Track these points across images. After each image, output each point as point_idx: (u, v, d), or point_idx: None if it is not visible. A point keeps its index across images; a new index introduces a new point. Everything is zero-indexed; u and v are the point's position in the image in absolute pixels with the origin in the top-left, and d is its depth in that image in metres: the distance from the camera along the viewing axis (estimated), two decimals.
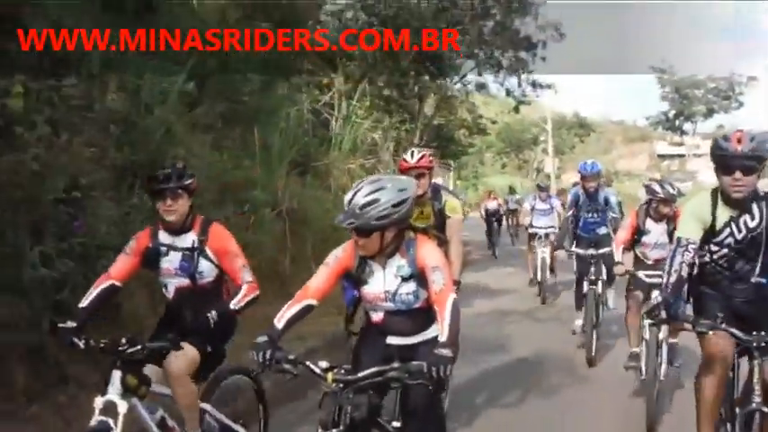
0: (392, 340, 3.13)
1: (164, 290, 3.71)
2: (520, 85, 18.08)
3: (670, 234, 5.43)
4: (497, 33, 16.18)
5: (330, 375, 2.69)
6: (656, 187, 5.54)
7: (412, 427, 3.05)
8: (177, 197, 3.52)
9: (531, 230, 11.02)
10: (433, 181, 4.75)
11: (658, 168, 41.75)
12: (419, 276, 2.95)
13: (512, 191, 20.96)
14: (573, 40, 18.99)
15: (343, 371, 2.73)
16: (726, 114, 32.60)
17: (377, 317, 3.13)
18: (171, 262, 3.61)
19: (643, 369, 5.28)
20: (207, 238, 3.58)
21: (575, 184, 8.42)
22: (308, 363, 2.77)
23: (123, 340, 3.21)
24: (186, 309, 3.63)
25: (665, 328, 5.00)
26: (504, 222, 19.42)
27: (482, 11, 15.83)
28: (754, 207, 3.37)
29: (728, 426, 3.45)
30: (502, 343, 7.38)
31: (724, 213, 3.40)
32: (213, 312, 3.46)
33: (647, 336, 5.19)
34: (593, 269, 6.85)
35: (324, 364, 2.76)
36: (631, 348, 5.63)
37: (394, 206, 2.83)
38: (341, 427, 2.68)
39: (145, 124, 6.36)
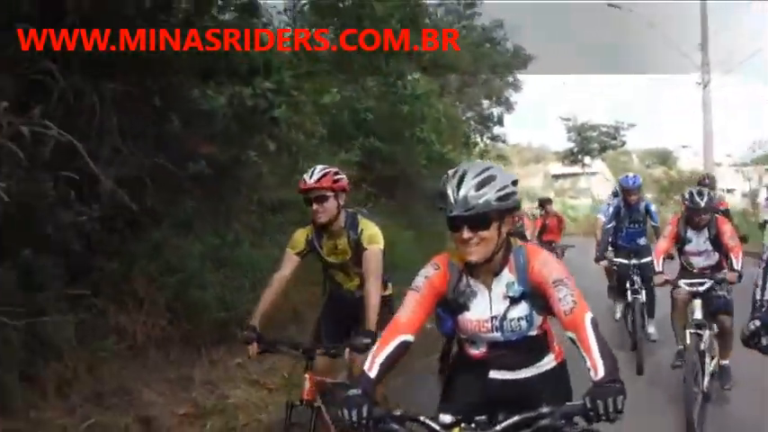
0: (496, 375, 2.53)
1: None
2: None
3: (712, 241, 5.42)
4: None
5: (457, 430, 2.18)
6: (698, 199, 5.32)
7: None
8: None
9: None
10: (349, 210, 3.89)
11: (552, 187, 47.59)
12: (532, 296, 2.34)
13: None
14: None
15: (473, 424, 2.20)
16: (613, 151, 44.70)
17: (478, 351, 2.51)
18: None
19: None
20: None
21: (615, 195, 8.44)
22: (422, 418, 2.20)
23: None
24: None
25: (707, 337, 4.95)
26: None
27: None
28: None
29: None
30: None
31: None
32: None
33: (688, 341, 4.92)
34: (635, 278, 6.97)
35: (447, 418, 2.26)
36: (678, 346, 5.42)
37: (513, 183, 2.27)
38: None
39: None
